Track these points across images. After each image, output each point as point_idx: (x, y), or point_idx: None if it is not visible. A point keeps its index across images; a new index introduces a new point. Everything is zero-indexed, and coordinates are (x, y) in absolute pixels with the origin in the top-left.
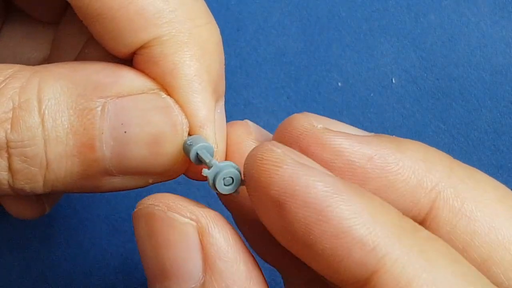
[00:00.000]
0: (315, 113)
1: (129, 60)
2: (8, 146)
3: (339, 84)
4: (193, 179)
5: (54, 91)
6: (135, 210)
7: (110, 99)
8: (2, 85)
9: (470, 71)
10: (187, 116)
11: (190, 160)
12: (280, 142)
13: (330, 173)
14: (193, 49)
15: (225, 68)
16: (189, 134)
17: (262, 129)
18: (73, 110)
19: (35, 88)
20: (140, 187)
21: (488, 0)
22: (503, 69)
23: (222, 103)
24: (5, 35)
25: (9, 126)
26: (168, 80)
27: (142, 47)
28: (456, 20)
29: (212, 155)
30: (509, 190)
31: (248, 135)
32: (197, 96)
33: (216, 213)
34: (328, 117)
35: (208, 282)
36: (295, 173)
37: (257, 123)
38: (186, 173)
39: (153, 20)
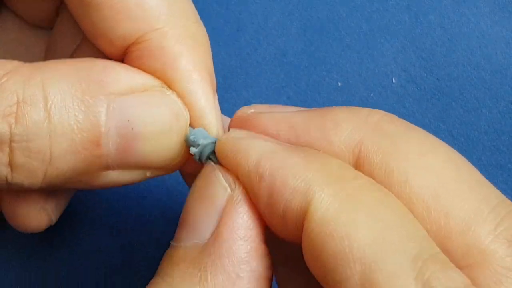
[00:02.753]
0: None
1: (120, 60)
2: (11, 141)
3: (339, 84)
4: (187, 178)
5: (59, 88)
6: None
7: (115, 97)
8: (4, 80)
9: (470, 71)
10: (189, 106)
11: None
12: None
13: (273, 140)
14: (189, 42)
15: (225, 68)
16: (191, 124)
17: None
18: (78, 107)
19: (39, 84)
20: (136, 182)
21: (488, 0)
22: (503, 69)
23: (216, 96)
24: None
25: (13, 120)
26: (169, 72)
27: (136, 41)
28: (456, 20)
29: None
30: (436, 142)
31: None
32: (197, 86)
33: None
34: None
35: (210, 246)
36: (236, 145)
37: None
38: (182, 168)
39: (152, 12)
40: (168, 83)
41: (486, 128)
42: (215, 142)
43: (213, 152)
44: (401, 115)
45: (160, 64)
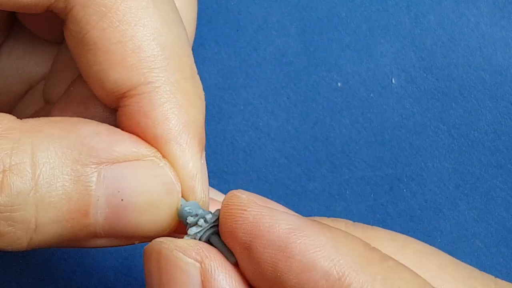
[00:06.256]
0: (314, 113)
1: (112, 108)
2: None
3: (339, 84)
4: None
5: (48, 156)
6: (146, 245)
7: (106, 165)
8: None
9: (470, 71)
10: (177, 167)
11: (180, 223)
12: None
13: (292, 213)
14: (181, 100)
15: (225, 68)
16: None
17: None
18: (68, 176)
19: (27, 151)
20: (123, 245)
21: (488, 0)
22: (503, 69)
23: (204, 153)
24: (8, 48)
25: None
26: (158, 131)
27: (129, 94)
28: (456, 20)
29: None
30: (403, 237)
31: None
32: (186, 147)
33: (222, 257)
34: (328, 117)
35: None
36: (258, 215)
37: (257, 123)
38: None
39: (147, 63)
40: (157, 143)
41: (486, 128)
42: (215, 216)
43: (215, 231)
44: (401, 116)
45: (150, 122)
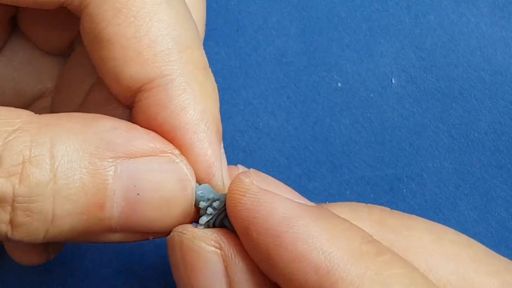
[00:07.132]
0: (314, 113)
1: (128, 107)
2: (13, 201)
3: (339, 84)
4: None
5: (67, 148)
6: (169, 236)
7: (123, 160)
8: (11, 137)
9: (470, 71)
10: (195, 158)
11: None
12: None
13: (296, 198)
14: (196, 91)
15: (225, 68)
16: (197, 177)
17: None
18: (86, 169)
19: (47, 144)
20: (138, 241)
21: (488, 0)
22: (503, 69)
23: (222, 143)
24: (5, 57)
25: (17, 181)
26: (176, 122)
27: (144, 88)
28: (456, 20)
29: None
30: (440, 227)
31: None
32: (204, 136)
33: (238, 240)
34: (328, 117)
35: None
36: (256, 201)
37: (257, 123)
38: None
39: (162, 57)
40: (176, 134)
41: (486, 128)
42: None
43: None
44: (401, 116)
45: (168, 114)
